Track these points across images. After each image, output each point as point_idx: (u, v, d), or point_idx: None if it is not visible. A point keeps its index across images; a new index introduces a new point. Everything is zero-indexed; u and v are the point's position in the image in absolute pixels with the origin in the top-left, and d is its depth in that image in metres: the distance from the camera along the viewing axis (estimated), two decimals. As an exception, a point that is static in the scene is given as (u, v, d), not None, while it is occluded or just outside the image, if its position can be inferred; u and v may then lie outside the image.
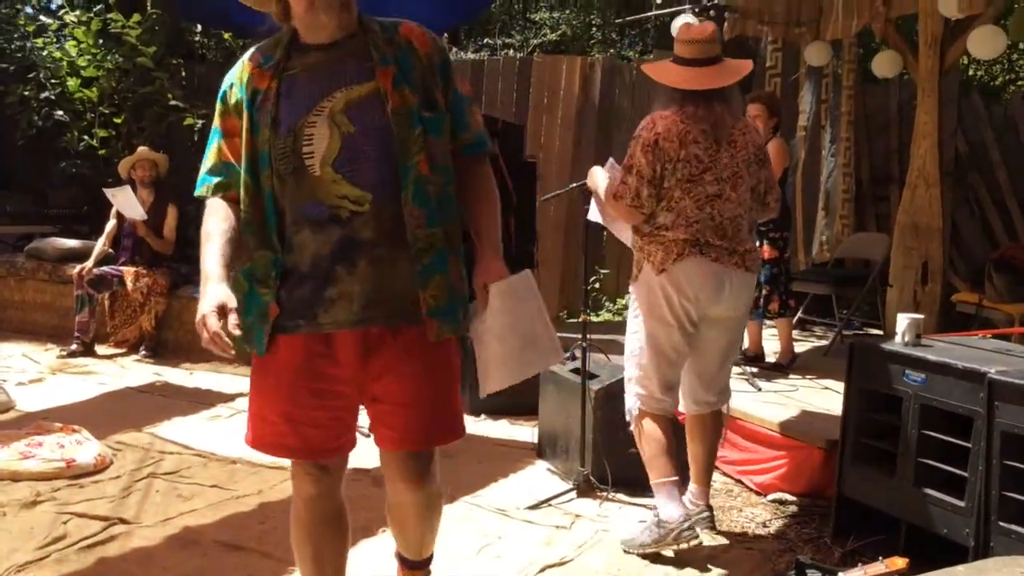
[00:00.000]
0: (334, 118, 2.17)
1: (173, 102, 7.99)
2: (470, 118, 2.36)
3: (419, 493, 2.46)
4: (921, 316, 3.45)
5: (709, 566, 3.31)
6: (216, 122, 2.36)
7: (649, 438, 3.48)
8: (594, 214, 3.86)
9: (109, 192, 6.62)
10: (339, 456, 2.48)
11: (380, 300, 2.23)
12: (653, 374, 3.46)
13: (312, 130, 2.18)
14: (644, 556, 3.36)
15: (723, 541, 3.54)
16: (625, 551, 3.43)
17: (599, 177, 3.64)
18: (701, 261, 3.35)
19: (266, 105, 2.22)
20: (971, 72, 9.94)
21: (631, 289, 3.58)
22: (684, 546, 3.30)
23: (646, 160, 3.33)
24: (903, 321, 3.35)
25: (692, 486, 3.65)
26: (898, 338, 3.34)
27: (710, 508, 3.64)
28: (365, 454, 4.54)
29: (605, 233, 8.66)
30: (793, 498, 3.96)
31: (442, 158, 2.28)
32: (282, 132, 2.20)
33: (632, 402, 3.54)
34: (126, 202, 6.58)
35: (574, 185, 4.30)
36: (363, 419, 5.19)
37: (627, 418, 3.60)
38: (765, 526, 3.71)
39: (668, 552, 3.40)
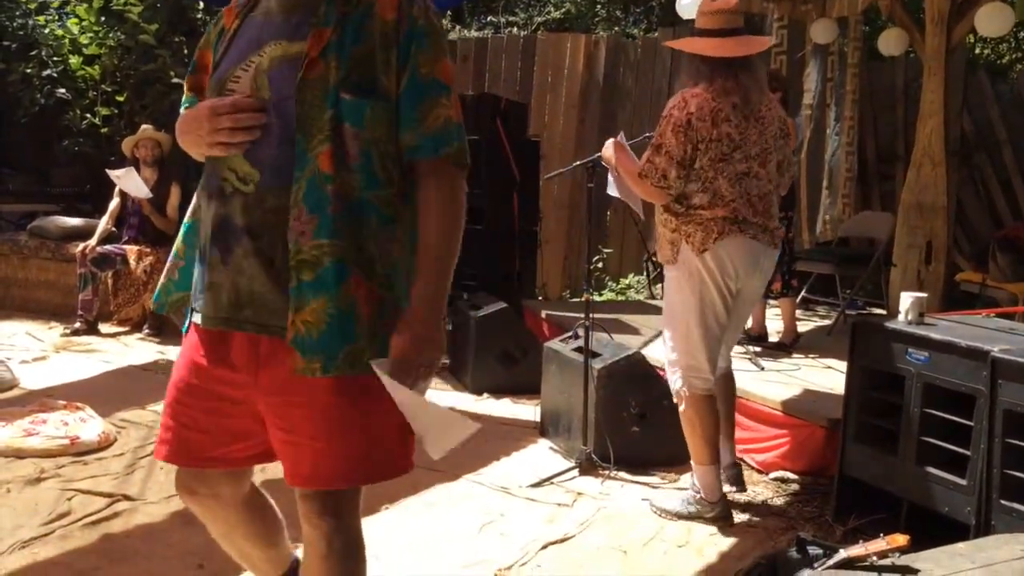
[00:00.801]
0: (257, 78, 1.84)
1: (175, 80, 7.95)
2: (427, 112, 1.86)
3: (317, 536, 1.91)
4: (925, 295, 3.45)
5: (711, 543, 3.33)
6: (196, 52, 2.05)
7: (703, 422, 3.49)
8: (612, 188, 3.81)
9: (113, 173, 6.61)
10: (223, 468, 2.04)
11: (252, 302, 1.85)
12: (702, 353, 3.47)
13: (235, 85, 1.86)
14: (649, 534, 3.38)
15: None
16: (658, 515, 3.54)
17: (622, 154, 3.58)
18: (741, 239, 3.37)
19: (219, 47, 1.94)
20: (978, 50, 9.86)
21: (668, 271, 3.54)
22: (714, 525, 3.46)
23: (677, 141, 3.29)
24: (906, 300, 3.34)
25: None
26: (901, 317, 3.34)
27: (738, 464, 3.76)
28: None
29: (608, 213, 8.68)
30: (795, 476, 3.97)
31: (361, 156, 1.81)
32: (213, 82, 1.93)
33: (679, 384, 3.52)
34: (130, 182, 6.58)
35: (578, 164, 4.28)
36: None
37: (674, 400, 3.59)
38: (766, 504, 3.72)
39: (673, 528, 3.43)
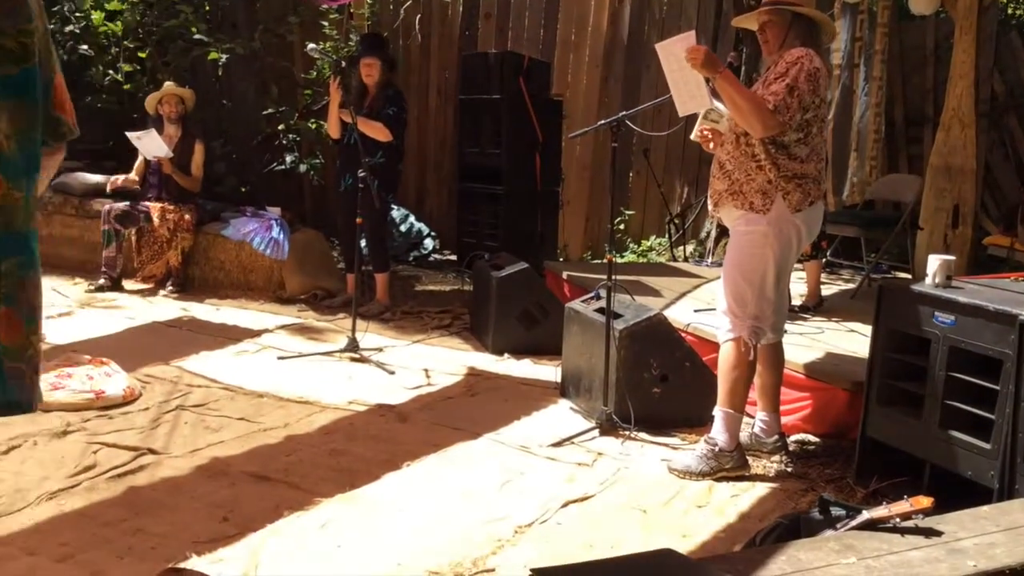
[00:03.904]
0: None
1: (197, 36, 7.92)
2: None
3: None
4: (952, 257, 3.41)
5: (732, 504, 3.34)
6: None
7: (750, 369, 3.58)
8: (693, 100, 3.61)
9: (133, 136, 6.61)
10: None
11: None
12: (775, 306, 3.57)
13: None
14: (669, 494, 3.39)
15: (746, 481, 3.56)
16: (678, 476, 3.56)
17: (729, 72, 3.45)
18: (820, 204, 3.60)
19: None
20: (1010, 10, 9.64)
21: (749, 224, 3.52)
22: (733, 476, 3.53)
23: (808, 88, 3.40)
24: (934, 262, 3.30)
25: (765, 415, 3.76)
26: (928, 279, 3.30)
27: (783, 435, 3.79)
28: (390, 392, 4.60)
29: (631, 174, 8.61)
30: (816, 439, 3.96)
31: None
32: None
33: (745, 333, 3.54)
34: (151, 144, 6.59)
35: (602, 123, 4.23)
36: (386, 357, 5.24)
37: (727, 338, 3.60)
38: (788, 466, 3.71)
39: (693, 488, 3.43)
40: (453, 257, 8.27)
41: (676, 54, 3.52)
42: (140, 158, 6.88)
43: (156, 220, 6.66)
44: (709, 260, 7.40)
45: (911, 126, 8.04)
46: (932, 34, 7.89)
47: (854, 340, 4.57)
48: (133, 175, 6.90)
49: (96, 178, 7.43)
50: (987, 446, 2.96)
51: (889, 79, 7.44)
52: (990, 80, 7.35)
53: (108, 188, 6.78)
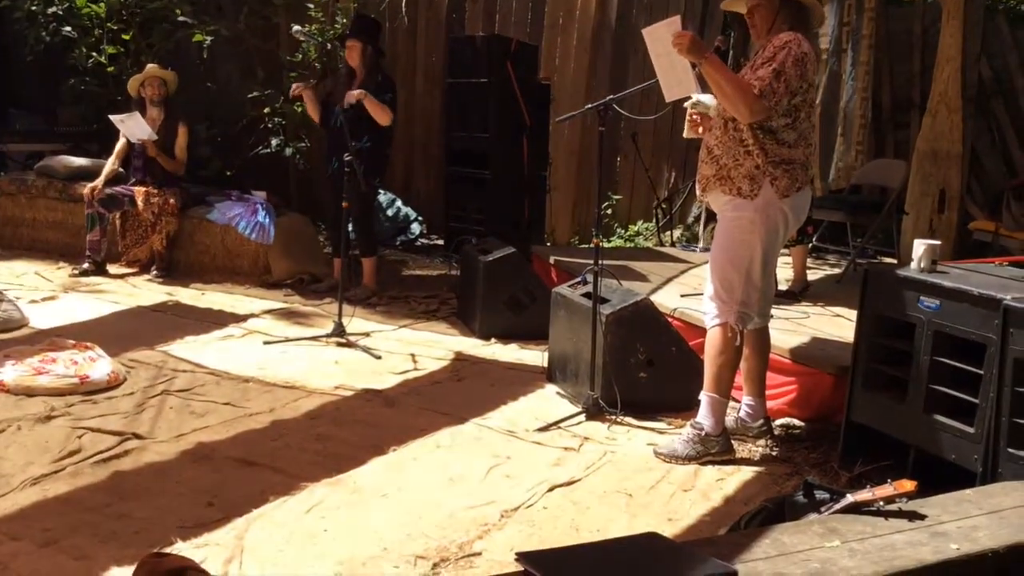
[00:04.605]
0: None
1: (182, 18, 7.85)
2: None
3: None
4: (938, 242, 3.41)
5: (717, 488, 3.35)
6: None
7: (737, 354, 3.59)
8: (680, 86, 3.62)
9: (116, 119, 6.56)
10: None
11: None
12: (762, 292, 3.58)
13: None
14: (655, 478, 3.40)
15: (731, 464, 3.57)
16: (664, 460, 3.57)
17: (715, 56, 3.42)
18: (807, 190, 3.60)
19: None
20: (997, -4, 9.65)
21: (736, 210, 3.52)
22: (719, 460, 3.55)
23: (796, 73, 3.38)
24: (919, 247, 3.31)
25: (750, 400, 3.78)
26: (914, 264, 3.31)
27: (768, 419, 3.81)
28: (377, 376, 4.59)
29: (619, 159, 8.59)
30: (801, 423, 3.98)
31: None
32: None
33: (732, 319, 3.54)
34: (135, 126, 6.53)
35: (590, 107, 4.21)
36: (373, 342, 5.23)
37: (714, 323, 3.60)
38: (773, 450, 3.73)
39: (679, 472, 3.45)
40: (440, 242, 8.25)
41: (663, 39, 3.50)
42: (121, 140, 6.82)
43: (140, 204, 6.61)
44: (700, 246, 7.40)
45: (898, 111, 8.03)
46: (919, 19, 7.88)
47: (839, 325, 4.58)
48: (112, 163, 6.83)
49: (80, 161, 7.37)
50: (971, 430, 2.98)
51: (876, 64, 7.43)
52: (977, 65, 7.36)
53: (95, 197, 6.64)
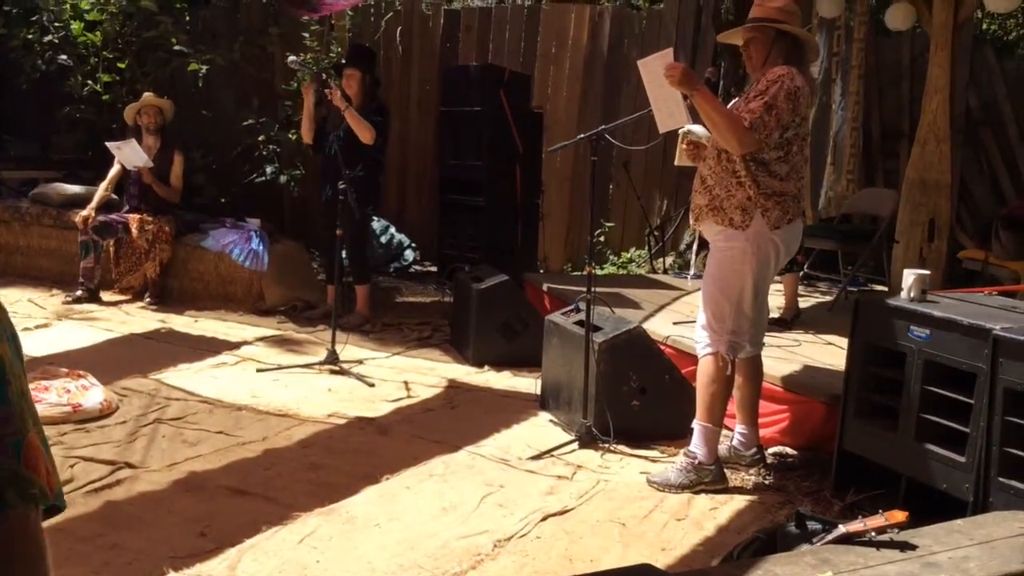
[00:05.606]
0: None
1: (177, 47, 7.89)
2: None
3: None
4: (927, 272, 3.44)
5: (710, 517, 3.35)
6: None
7: (728, 383, 3.61)
8: (669, 120, 3.69)
9: (112, 145, 6.58)
10: None
11: None
12: (753, 322, 3.59)
13: None
14: (648, 507, 3.40)
15: (724, 493, 3.57)
16: (657, 489, 3.57)
17: (706, 89, 3.46)
18: (799, 222, 3.62)
19: None
20: (984, 26, 9.77)
21: (728, 240, 3.55)
22: (712, 490, 3.55)
23: (788, 107, 3.41)
24: (909, 277, 3.34)
25: (743, 428, 3.79)
26: (904, 293, 3.34)
27: (761, 448, 3.82)
28: (370, 404, 4.59)
29: (611, 187, 8.64)
30: (793, 452, 3.99)
31: None
32: None
33: (723, 348, 3.57)
34: (131, 154, 6.56)
35: (582, 136, 4.25)
36: (366, 369, 5.22)
37: (705, 352, 3.62)
38: (766, 479, 3.73)
39: (672, 501, 3.45)
40: (434, 269, 8.27)
41: (656, 71, 3.55)
42: (115, 167, 6.83)
43: (134, 231, 6.62)
44: (692, 272, 7.43)
45: (887, 140, 8.12)
46: (908, 49, 7.98)
47: (831, 353, 4.60)
48: (105, 189, 6.84)
49: (74, 188, 7.38)
50: (962, 459, 3.00)
51: (865, 94, 7.53)
52: (965, 95, 7.46)
53: (89, 225, 6.65)
